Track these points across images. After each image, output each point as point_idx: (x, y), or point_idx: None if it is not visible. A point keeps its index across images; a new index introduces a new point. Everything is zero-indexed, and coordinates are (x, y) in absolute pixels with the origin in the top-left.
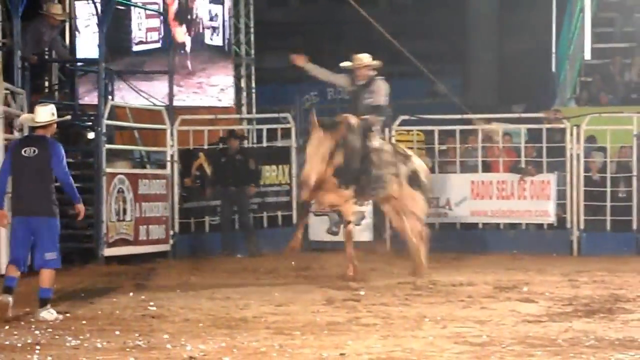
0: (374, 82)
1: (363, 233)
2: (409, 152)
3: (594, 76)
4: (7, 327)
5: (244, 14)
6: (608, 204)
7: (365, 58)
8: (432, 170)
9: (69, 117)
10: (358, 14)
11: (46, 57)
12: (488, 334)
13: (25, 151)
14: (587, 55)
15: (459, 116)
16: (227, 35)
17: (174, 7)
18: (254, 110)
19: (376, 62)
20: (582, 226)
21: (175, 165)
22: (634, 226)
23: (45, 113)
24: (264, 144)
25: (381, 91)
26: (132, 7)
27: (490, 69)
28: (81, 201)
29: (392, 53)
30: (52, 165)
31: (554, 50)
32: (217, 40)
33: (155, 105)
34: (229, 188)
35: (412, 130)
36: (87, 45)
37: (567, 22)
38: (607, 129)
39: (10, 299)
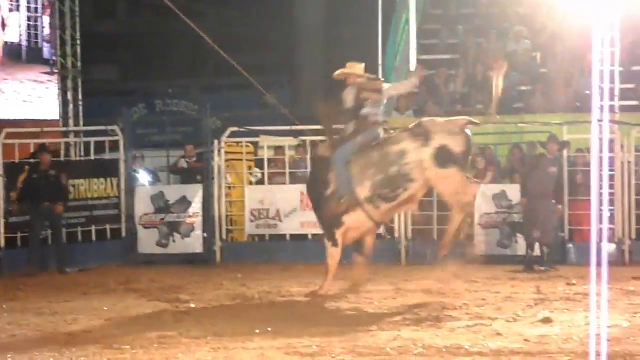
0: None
1: (193, 245)
2: (434, 126)
3: (420, 87)
4: None
5: (69, 25)
6: (435, 213)
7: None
8: (261, 182)
9: None
10: (187, 26)
11: None
12: (318, 344)
13: None
14: (413, 67)
15: (288, 127)
16: (47, 47)
17: None
18: (81, 123)
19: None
20: (410, 236)
21: (1, 180)
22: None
23: None
24: (92, 157)
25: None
26: None
27: (318, 81)
28: None
29: (221, 65)
30: None
31: (380, 62)
32: (37, 52)
33: None
34: (41, 204)
35: (241, 142)
36: None
37: (393, 35)
38: None
39: None
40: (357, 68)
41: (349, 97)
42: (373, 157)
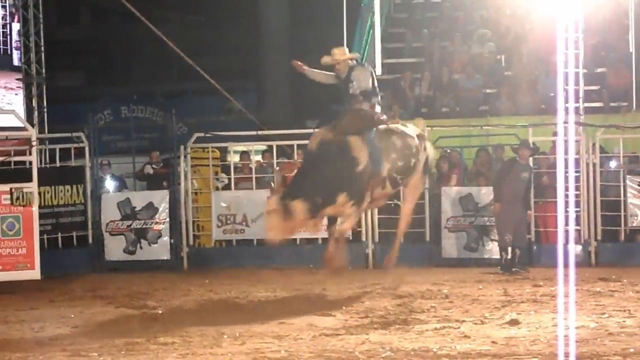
0: (352, 71)
1: (160, 251)
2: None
3: (386, 91)
4: None
5: (33, 32)
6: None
7: (339, 53)
8: (227, 187)
9: None
10: (151, 31)
11: None
12: (286, 349)
13: None
14: (378, 71)
15: (254, 132)
16: (17, 54)
17: None
18: (46, 129)
19: (352, 55)
20: (377, 239)
21: None
22: (427, 238)
23: None
24: (58, 164)
25: (360, 77)
26: None
27: (284, 85)
28: None
29: (185, 70)
30: None
31: None
32: (6, 59)
33: None
34: None
35: (207, 147)
36: None
37: (358, 39)
38: None
39: None
40: (348, 52)
41: (366, 79)
42: (395, 143)
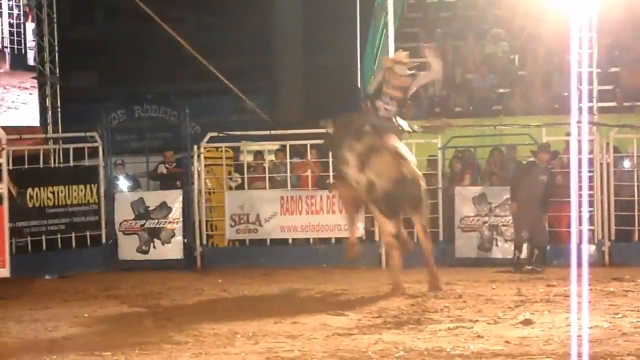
0: None
1: (173, 251)
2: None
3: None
4: None
5: (47, 32)
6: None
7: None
8: (241, 187)
9: None
10: (165, 31)
11: None
12: (300, 349)
13: None
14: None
15: (267, 132)
16: (31, 54)
17: None
18: (60, 129)
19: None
20: None
21: None
22: (440, 237)
23: None
24: (71, 164)
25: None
26: None
27: (297, 85)
28: None
29: (199, 70)
30: None
31: (359, 66)
32: (21, 58)
33: None
34: None
35: (220, 147)
36: None
37: (371, 38)
38: (412, 143)
39: None
40: (400, 55)
41: (373, 83)
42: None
